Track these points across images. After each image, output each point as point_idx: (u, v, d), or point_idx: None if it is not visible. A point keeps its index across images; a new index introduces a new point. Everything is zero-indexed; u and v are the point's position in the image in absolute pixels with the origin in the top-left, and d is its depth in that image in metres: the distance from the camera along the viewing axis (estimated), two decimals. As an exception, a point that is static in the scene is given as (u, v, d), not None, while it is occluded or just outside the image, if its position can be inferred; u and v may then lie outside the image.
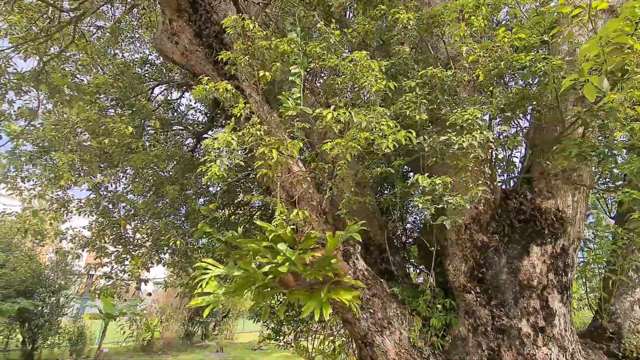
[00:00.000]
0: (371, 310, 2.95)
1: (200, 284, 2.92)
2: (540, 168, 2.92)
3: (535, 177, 2.97)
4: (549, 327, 2.63)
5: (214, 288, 2.90)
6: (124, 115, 4.38)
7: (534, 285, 2.69)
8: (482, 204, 3.03)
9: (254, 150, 2.78)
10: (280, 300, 5.48)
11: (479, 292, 2.89)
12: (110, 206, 4.96)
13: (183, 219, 4.81)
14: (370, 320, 2.93)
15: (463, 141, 2.42)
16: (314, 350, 6.19)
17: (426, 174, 2.52)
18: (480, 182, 3.05)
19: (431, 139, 2.68)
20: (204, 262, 3.10)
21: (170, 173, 4.62)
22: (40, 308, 10.56)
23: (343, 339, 6.15)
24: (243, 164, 2.98)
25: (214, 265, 3.08)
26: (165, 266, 5.50)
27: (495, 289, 2.82)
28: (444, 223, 2.43)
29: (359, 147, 2.56)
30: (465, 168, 2.65)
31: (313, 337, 5.98)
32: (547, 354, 2.56)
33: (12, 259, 10.35)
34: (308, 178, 3.41)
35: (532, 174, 3.00)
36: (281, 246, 2.62)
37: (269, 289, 3.02)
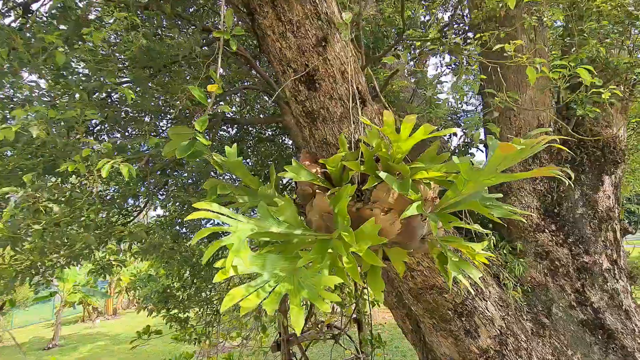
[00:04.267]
0: (468, 267, 2.07)
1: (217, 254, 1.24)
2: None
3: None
4: (619, 259, 2.52)
5: (263, 265, 1.31)
6: None
7: (613, 217, 2.49)
8: (551, 125, 2.59)
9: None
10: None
11: (555, 230, 2.48)
12: None
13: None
14: (470, 280, 2.05)
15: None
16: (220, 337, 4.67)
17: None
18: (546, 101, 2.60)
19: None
20: (202, 207, 1.36)
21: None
22: None
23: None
24: None
25: (227, 216, 1.40)
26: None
27: (572, 224, 2.48)
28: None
29: None
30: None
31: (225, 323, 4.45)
32: (624, 287, 2.44)
33: None
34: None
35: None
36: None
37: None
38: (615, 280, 2.44)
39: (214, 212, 1.37)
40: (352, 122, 1.77)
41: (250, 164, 4.41)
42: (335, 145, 1.86)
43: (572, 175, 1.47)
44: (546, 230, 2.50)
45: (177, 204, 3.82)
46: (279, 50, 1.82)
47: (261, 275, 1.29)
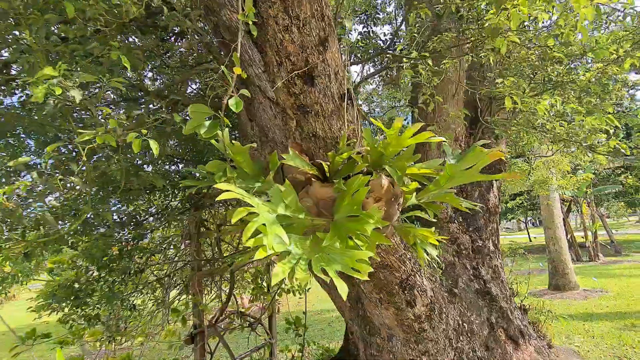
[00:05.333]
0: (409, 246, 2.52)
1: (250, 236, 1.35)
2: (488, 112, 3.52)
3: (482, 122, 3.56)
4: (498, 243, 3.36)
5: (296, 245, 1.44)
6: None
7: (497, 212, 3.31)
8: (463, 139, 3.28)
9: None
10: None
11: (461, 221, 3.17)
12: None
13: None
14: (412, 260, 2.50)
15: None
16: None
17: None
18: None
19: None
20: (225, 188, 1.42)
21: None
22: None
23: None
24: None
25: (248, 197, 1.49)
26: None
27: (472, 217, 3.21)
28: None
29: None
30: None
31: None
32: (501, 263, 3.28)
33: None
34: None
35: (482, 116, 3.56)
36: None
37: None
38: (497, 259, 3.27)
39: (236, 192, 1.42)
40: (344, 120, 1.97)
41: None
42: (323, 139, 2.03)
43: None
44: (455, 221, 3.17)
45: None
46: (280, 41, 1.88)
47: (289, 254, 1.40)
